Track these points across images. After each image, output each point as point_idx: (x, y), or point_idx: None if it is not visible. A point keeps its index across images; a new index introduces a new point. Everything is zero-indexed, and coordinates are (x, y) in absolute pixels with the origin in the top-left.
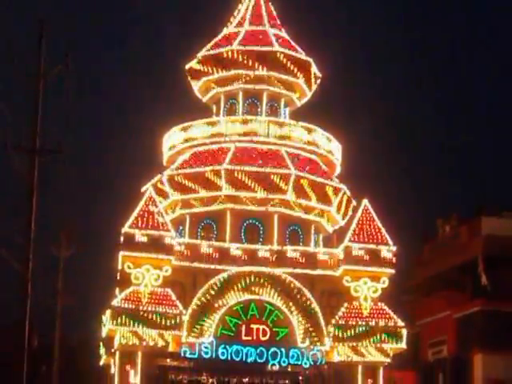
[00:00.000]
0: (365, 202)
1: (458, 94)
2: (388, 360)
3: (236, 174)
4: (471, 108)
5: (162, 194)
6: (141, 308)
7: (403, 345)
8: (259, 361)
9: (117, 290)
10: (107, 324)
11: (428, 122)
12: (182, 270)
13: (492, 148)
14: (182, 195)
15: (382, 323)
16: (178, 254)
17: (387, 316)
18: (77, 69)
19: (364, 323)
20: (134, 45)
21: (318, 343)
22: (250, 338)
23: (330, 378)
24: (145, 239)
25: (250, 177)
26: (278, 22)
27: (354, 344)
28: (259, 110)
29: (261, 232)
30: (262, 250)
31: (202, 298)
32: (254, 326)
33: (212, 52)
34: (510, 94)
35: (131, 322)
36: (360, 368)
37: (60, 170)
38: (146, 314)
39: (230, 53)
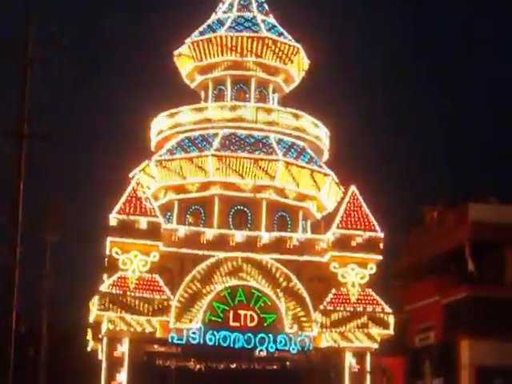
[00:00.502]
0: (352, 188)
1: (449, 80)
2: (375, 346)
3: (224, 160)
4: (463, 94)
5: (149, 179)
6: (128, 294)
7: (391, 331)
8: (247, 347)
9: (104, 276)
10: (94, 310)
11: (417, 108)
12: (169, 255)
13: (481, 135)
14: (170, 181)
15: (369, 309)
16: (166, 239)
17: (375, 302)
18: (67, 53)
19: (352, 309)
20: (120, 30)
21: (306, 329)
22: (237, 324)
23: (317, 364)
24: (133, 225)
25: (237, 163)
26: (267, 8)
27: (342, 330)
28: (247, 96)
29: (249, 218)
30: (250, 236)
31: (190, 284)
32: (242, 312)
33: (200, 38)
34: (506, 81)
35: (118, 308)
36: (347, 354)
37: (48, 155)
38: (133, 300)
39: (218, 39)
